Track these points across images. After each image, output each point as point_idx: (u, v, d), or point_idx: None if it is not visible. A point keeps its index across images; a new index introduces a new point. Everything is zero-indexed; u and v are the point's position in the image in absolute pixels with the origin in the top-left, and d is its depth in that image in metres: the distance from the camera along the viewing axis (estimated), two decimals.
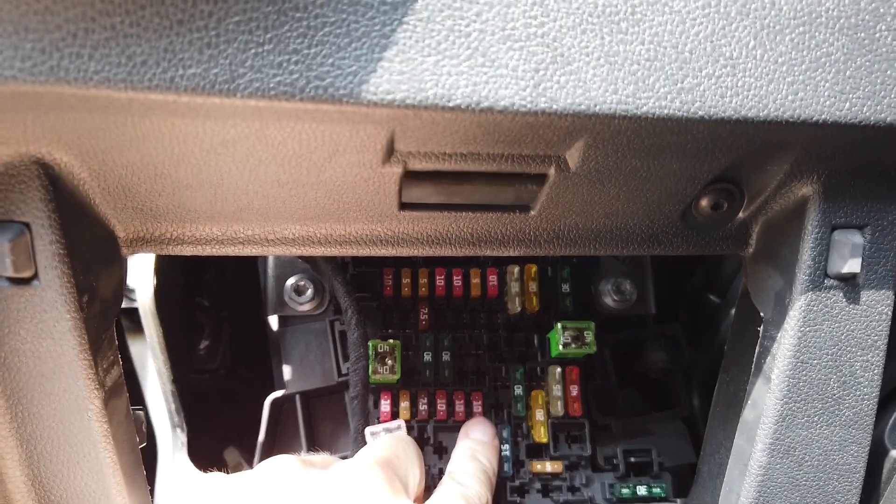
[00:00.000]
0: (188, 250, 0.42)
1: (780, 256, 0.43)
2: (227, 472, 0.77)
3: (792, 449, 0.43)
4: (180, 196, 0.38)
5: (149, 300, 0.55)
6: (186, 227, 0.41)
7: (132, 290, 0.58)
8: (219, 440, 0.78)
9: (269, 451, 0.66)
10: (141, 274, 0.56)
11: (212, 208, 0.40)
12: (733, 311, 0.72)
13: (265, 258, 0.68)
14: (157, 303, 0.58)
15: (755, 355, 0.44)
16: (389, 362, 0.60)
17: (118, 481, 0.39)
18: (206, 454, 0.79)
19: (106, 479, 0.38)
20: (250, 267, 0.73)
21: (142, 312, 0.56)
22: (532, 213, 0.42)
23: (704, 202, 0.43)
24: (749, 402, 0.44)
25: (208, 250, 0.42)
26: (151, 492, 0.65)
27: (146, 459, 0.69)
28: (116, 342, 0.40)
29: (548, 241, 0.44)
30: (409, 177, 0.39)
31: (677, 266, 0.82)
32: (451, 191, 0.40)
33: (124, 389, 0.40)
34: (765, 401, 0.43)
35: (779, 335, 0.42)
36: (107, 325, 0.39)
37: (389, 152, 0.36)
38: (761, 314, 0.44)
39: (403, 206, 0.41)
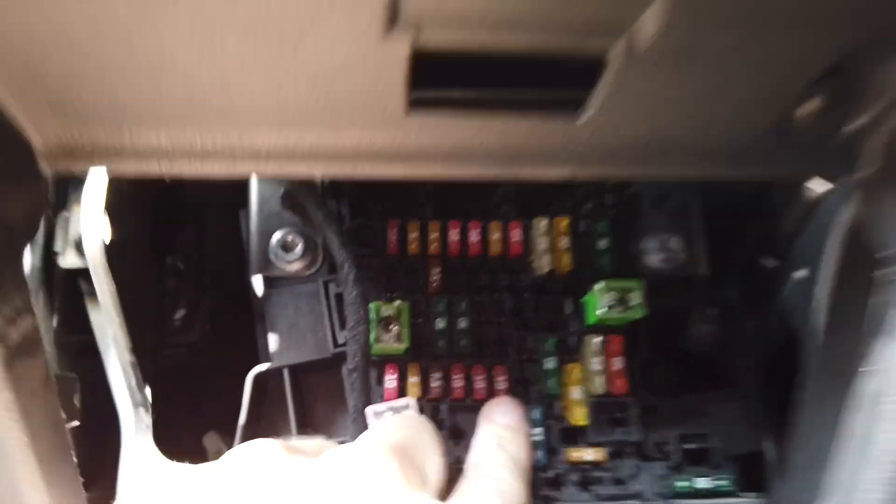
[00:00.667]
0: (130, 167, 0.32)
1: None
2: (205, 461, 0.68)
3: None
4: (111, 84, 0.28)
5: (98, 252, 0.45)
6: (125, 133, 0.31)
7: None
8: (198, 424, 0.69)
9: (251, 436, 0.56)
10: (91, 222, 0.46)
11: (155, 105, 0.29)
12: (799, 272, 0.62)
13: (247, 209, 0.58)
14: (111, 257, 0.48)
15: (873, 308, 0.34)
16: (395, 328, 0.50)
17: (29, 469, 0.29)
18: (184, 441, 0.70)
19: (10, 463, 0.28)
20: (235, 224, 0.63)
21: (91, 267, 0.46)
22: (583, 117, 0.31)
23: (811, 105, 0.33)
24: (872, 369, 0.33)
25: (155, 167, 0.32)
26: (113, 480, 0.55)
27: (111, 443, 0.59)
28: (27, 283, 0.29)
29: (602, 159, 0.33)
30: (422, 60, 0.29)
31: (726, 221, 0.72)
32: (476, 78, 0.30)
33: (41, 349, 0.30)
34: (890, 365, 0.32)
35: None
36: (12, 257, 0.29)
37: (393, 14, 0.26)
38: (883, 253, 0.34)
39: (414, 103, 0.30)
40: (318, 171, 0.32)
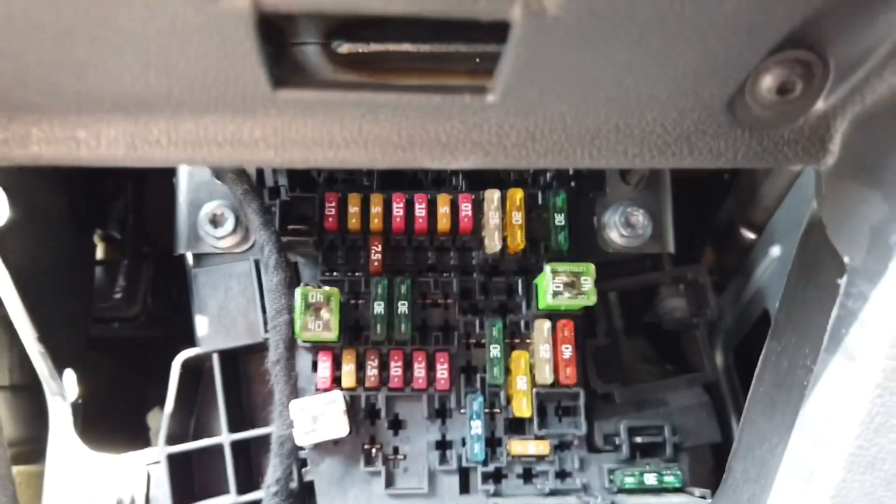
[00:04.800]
0: None
1: (881, 171, 0.27)
2: (149, 439, 0.66)
3: (880, 461, 0.28)
4: None
5: None
6: None
7: None
8: (141, 401, 0.66)
9: (183, 422, 0.54)
10: None
11: None
12: (773, 249, 0.57)
13: (177, 178, 0.53)
14: (14, 238, 0.44)
15: (831, 320, 0.29)
16: (325, 316, 0.46)
17: None
18: (126, 418, 0.68)
19: None
20: (174, 191, 0.58)
21: None
22: (491, 97, 0.26)
23: (767, 81, 0.27)
24: (818, 387, 0.29)
25: None
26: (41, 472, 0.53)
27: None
28: None
29: (518, 146, 0.28)
30: (294, 27, 0.24)
31: (701, 192, 0.67)
32: (364, 56, 0.25)
33: None
34: (845, 389, 0.28)
35: (874, 293, 0.27)
36: None
37: None
38: (844, 259, 0.29)
39: (280, 82, 0.25)
40: (177, 159, 0.27)
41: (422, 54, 0.30)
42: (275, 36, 0.25)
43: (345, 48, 0.30)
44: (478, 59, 0.29)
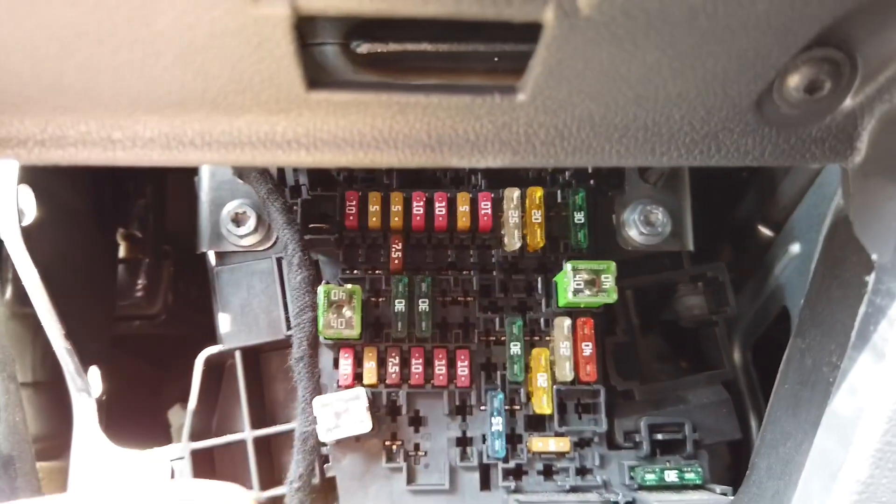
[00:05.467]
0: None
1: None
2: (170, 435, 0.66)
3: None
4: None
5: (14, 235, 0.42)
6: None
7: None
8: (162, 398, 0.67)
9: (205, 419, 0.55)
10: (5, 200, 0.42)
11: (6, 86, 0.25)
12: (793, 246, 0.57)
13: (199, 178, 0.54)
14: (41, 236, 0.44)
15: (858, 318, 0.29)
16: (347, 314, 0.47)
17: None
18: (147, 414, 0.68)
19: None
20: (194, 190, 0.59)
21: (9, 250, 0.42)
22: (521, 96, 0.27)
23: (796, 79, 0.27)
24: (844, 385, 0.29)
25: (25, 156, 0.28)
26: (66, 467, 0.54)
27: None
28: None
29: (547, 145, 0.29)
30: (313, 27, 0.24)
31: (720, 190, 0.66)
32: (384, 55, 0.25)
33: None
34: (873, 386, 0.28)
35: None
36: None
37: None
38: (872, 256, 0.29)
39: (314, 83, 0.26)
40: (215, 160, 0.28)
41: (441, 53, 0.31)
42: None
43: (364, 48, 0.30)
44: (496, 58, 0.29)
